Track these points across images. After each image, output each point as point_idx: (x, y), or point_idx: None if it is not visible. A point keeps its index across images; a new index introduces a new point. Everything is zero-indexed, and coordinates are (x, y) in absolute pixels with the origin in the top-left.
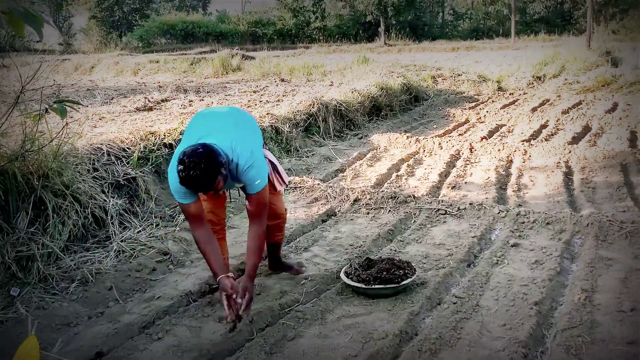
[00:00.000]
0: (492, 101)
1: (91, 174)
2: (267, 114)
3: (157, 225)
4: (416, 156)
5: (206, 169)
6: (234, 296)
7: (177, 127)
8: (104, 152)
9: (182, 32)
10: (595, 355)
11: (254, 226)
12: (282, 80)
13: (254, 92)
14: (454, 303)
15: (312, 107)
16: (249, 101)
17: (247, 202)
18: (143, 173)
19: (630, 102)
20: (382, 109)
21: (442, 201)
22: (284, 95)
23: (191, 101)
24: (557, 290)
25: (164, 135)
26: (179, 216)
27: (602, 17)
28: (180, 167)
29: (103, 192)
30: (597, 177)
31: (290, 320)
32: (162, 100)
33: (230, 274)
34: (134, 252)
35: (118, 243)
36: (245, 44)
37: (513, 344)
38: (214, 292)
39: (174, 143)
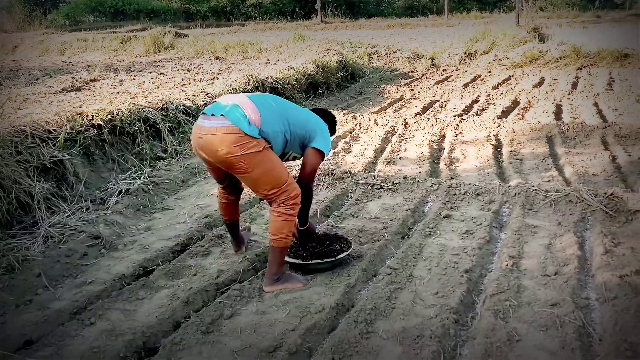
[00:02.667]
0: (426, 78)
1: (14, 157)
2: (201, 92)
3: (87, 209)
4: (352, 133)
5: None
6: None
7: (106, 108)
8: (27, 134)
9: (112, 9)
10: (521, 317)
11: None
12: (217, 58)
13: (188, 70)
14: (389, 274)
15: (248, 85)
16: (182, 80)
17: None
18: (71, 155)
19: (555, 77)
20: (319, 87)
21: (378, 176)
22: (219, 74)
23: (122, 81)
24: (487, 257)
25: (92, 115)
26: (110, 199)
27: None
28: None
29: (28, 175)
30: (525, 149)
31: (227, 299)
32: (91, 80)
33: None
34: (63, 238)
35: (46, 228)
36: (178, 22)
37: (445, 310)
38: (149, 274)
39: (102, 124)
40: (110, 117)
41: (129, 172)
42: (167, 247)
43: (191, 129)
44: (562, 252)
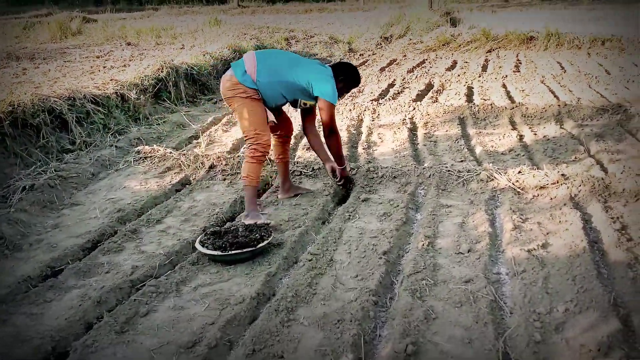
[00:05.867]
0: None
1: None
2: (111, 79)
3: None
4: None
5: None
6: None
7: (6, 98)
8: None
9: None
10: (437, 295)
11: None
12: (129, 44)
13: (97, 57)
14: (310, 260)
15: (161, 72)
16: (91, 67)
17: (309, 120)
18: None
19: (467, 60)
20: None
21: (298, 162)
22: (130, 60)
23: (25, 69)
24: (404, 238)
25: None
26: (13, 196)
27: None
28: (357, 70)
29: None
30: (438, 131)
31: (143, 296)
32: None
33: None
34: None
35: None
36: (87, 6)
37: (364, 293)
38: (57, 274)
39: (2, 116)
40: (10, 108)
41: (33, 167)
42: (76, 244)
43: (101, 119)
44: (474, 230)
